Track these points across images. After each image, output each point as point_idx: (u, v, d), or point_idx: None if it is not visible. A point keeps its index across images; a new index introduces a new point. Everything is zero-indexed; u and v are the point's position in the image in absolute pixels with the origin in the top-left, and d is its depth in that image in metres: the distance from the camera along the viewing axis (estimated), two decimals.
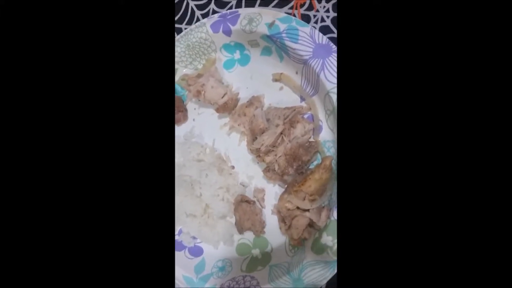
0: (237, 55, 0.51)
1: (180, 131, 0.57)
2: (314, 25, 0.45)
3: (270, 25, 0.43)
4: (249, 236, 0.50)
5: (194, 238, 0.53)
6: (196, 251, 0.53)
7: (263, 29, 0.44)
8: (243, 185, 0.51)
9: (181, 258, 0.52)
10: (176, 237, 0.54)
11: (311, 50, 0.41)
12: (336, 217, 0.40)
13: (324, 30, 0.44)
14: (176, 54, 0.54)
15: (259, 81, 0.50)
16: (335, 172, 0.40)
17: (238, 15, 0.46)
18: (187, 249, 0.53)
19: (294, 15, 0.46)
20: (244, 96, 0.51)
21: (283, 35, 0.42)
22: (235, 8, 0.52)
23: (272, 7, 0.48)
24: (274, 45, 0.45)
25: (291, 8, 0.47)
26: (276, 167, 0.44)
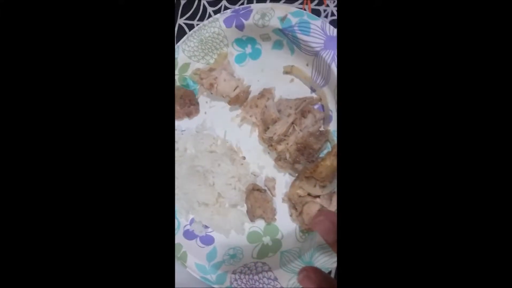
0: (248, 49, 0.53)
1: (192, 123, 0.59)
2: (324, 19, 0.47)
3: (283, 19, 0.45)
4: (260, 224, 0.51)
5: (205, 227, 0.55)
6: (208, 240, 0.54)
7: (276, 23, 0.45)
8: (254, 175, 0.52)
9: (193, 247, 0.54)
10: (188, 227, 0.56)
11: (322, 42, 0.42)
12: None
13: (334, 24, 0.46)
14: (188, 49, 0.56)
15: (270, 74, 0.51)
16: None
17: (251, 10, 0.48)
18: (198, 238, 0.55)
19: (305, 10, 0.48)
20: (255, 89, 0.53)
21: (295, 28, 0.44)
22: (247, 4, 0.54)
23: (283, 2, 0.50)
24: (286, 38, 0.47)
25: (302, 3, 0.49)
26: (288, 156, 0.46)
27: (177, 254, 0.54)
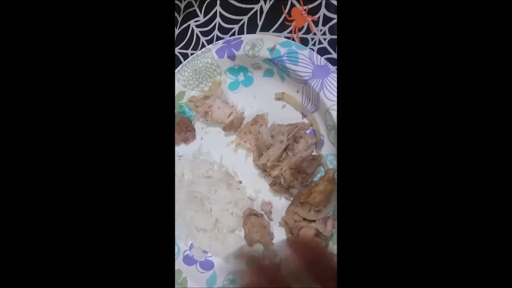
0: (241, 77, 0.55)
1: (189, 149, 0.60)
2: (312, 47, 0.48)
3: (272, 49, 0.46)
4: (258, 248, 0.52)
5: (204, 252, 0.55)
6: (207, 265, 0.55)
7: (265, 53, 0.47)
8: (251, 199, 0.53)
9: (193, 273, 0.54)
10: (188, 252, 0.56)
11: (310, 71, 0.44)
12: None
13: (322, 51, 0.48)
14: (183, 78, 0.58)
15: (262, 100, 0.53)
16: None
17: (241, 41, 0.50)
18: (198, 263, 0.55)
19: (293, 39, 0.50)
20: (248, 115, 0.54)
21: (284, 58, 0.45)
22: (238, 34, 0.56)
23: (273, 31, 0.52)
24: (276, 67, 0.48)
25: (290, 32, 0.51)
26: (282, 181, 0.47)
27: (177, 280, 0.54)
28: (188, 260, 0.56)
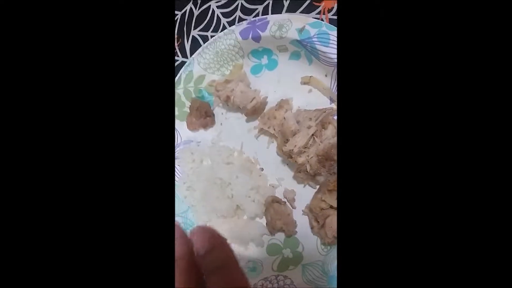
0: (264, 60, 0.53)
1: (207, 135, 0.59)
2: None
3: (301, 30, 0.44)
4: (279, 237, 0.50)
5: None
6: None
7: (294, 34, 0.45)
8: (273, 187, 0.52)
9: None
10: None
11: None
12: None
13: None
14: (204, 61, 0.56)
15: (287, 84, 0.51)
16: None
17: (268, 22, 0.48)
18: None
19: (323, 20, 0.47)
20: (272, 100, 0.52)
21: (314, 39, 0.43)
22: (262, 15, 0.54)
23: (300, 13, 0.50)
24: (304, 49, 0.46)
25: (319, 13, 0.48)
26: (308, 168, 0.45)
27: None
28: None
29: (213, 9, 0.59)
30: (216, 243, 0.24)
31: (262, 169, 0.53)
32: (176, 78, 0.58)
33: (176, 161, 0.58)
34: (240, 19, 0.56)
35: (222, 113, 0.58)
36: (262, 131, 0.53)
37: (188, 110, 0.59)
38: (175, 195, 0.56)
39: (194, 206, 0.56)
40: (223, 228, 0.53)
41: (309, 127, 0.44)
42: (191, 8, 0.62)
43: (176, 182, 0.57)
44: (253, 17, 0.54)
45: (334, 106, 0.47)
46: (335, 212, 0.43)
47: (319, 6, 0.48)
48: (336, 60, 0.43)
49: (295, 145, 0.44)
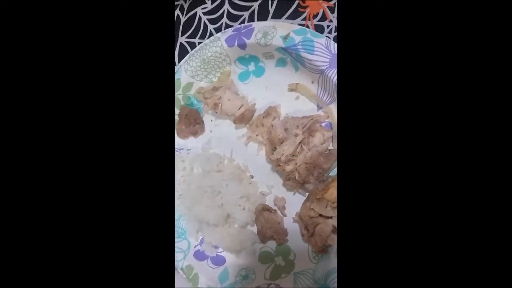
0: (251, 67, 0.52)
1: (197, 142, 0.59)
2: (328, 35, 0.46)
3: (285, 37, 0.44)
4: (271, 245, 0.50)
5: (215, 247, 0.54)
6: (219, 261, 0.54)
7: (278, 42, 0.45)
8: (263, 194, 0.51)
9: (204, 268, 0.53)
10: (198, 247, 0.55)
11: (327, 60, 0.41)
12: None
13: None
14: (191, 68, 0.56)
15: (274, 91, 0.51)
16: None
17: (253, 29, 0.47)
18: (209, 259, 0.54)
19: (308, 26, 0.47)
20: (260, 107, 0.52)
21: (299, 46, 0.43)
22: (248, 21, 0.53)
23: (285, 19, 0.49)
24: (289, 56, 0.46)
25: (304, 19, 0.48)
26: (297, 176, 0.45)
27: (189, 276, 0.53)
28: (199, 255, 0.55)
29: (199, 15, 0.58)
30: None
31: (252, 177, 0.53)
32: None
33: None
34: (227, 26, 0.55)
35: (211, 120, 0.58)
36: (250, 139, 0.52)
37: (177, 118, 0.59)
38: None
39: (185, 215, 0.56)
40: (214, 237, 0.53)
41: (296, 135, 0.44)
42: (178, 15, 0.61)
43: None
44: (239, 23, 0.54)
45: (322, 113, 0.46)
46: (325, 221, 0.42)
47: (304, 12, 0.48)
48: (322, 68, 0.42)
49: (283, 154, 0.44)
